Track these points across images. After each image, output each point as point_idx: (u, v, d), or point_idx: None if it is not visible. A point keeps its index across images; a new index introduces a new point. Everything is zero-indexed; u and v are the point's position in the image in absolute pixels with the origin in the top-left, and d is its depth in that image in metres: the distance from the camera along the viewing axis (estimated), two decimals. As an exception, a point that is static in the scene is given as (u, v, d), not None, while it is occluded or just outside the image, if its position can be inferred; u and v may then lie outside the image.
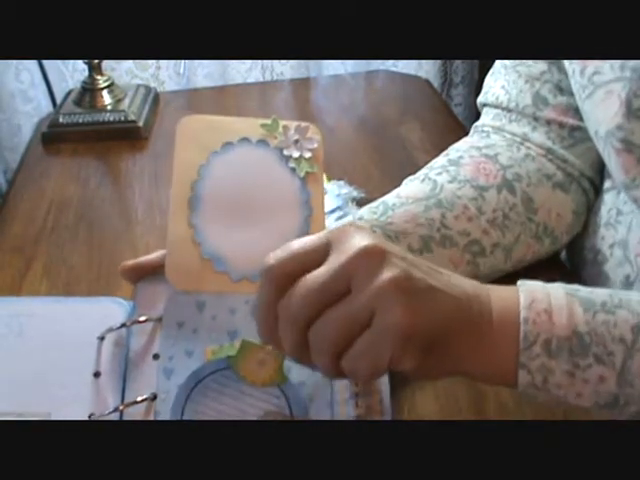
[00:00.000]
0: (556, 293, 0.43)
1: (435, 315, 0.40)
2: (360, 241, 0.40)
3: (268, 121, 0.50)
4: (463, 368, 0.43)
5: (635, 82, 0.51)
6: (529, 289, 0.44)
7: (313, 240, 0.41)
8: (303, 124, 0.50)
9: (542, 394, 0.43)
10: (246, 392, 0.46)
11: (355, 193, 0.79)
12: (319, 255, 0.41)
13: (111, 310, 0.49)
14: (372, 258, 0.40)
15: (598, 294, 0.44)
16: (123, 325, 0.47)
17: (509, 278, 0.64)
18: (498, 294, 0.44)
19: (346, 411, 0.44)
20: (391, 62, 1.33)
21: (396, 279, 0.39)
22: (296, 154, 0.49)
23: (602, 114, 0.54)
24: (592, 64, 0.54)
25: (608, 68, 0.53)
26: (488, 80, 0.69)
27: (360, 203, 0.75)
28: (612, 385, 0.42)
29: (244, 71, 1.28)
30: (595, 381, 0.42)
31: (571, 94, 0.61)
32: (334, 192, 0.79)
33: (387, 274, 0.39)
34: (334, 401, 0.45)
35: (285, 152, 0.50)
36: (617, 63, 0.52)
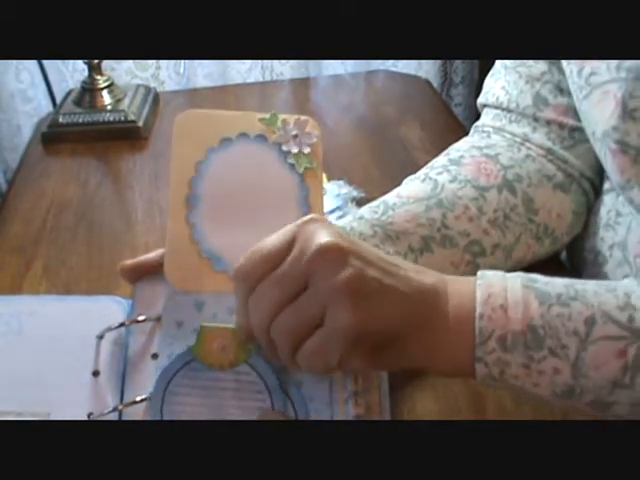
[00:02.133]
0: (513, 285, 0.44)
1: (386, 316, 0.41)
2: (320, 238, 0.41)
3: (267, 115, 0.50)
4: (418, 364, 0.44)
5: (631, 83, 0.51)
6: (487, 283, 0.44)
7: (279, 237, 0.42)
8: (302, 118, 0.50)
9: (500, 384, 0.43)
10: (218, 378, 0.45)
11: (355, 193, 0.79)
12: (285, 252, 0.42)
13: (110, 309, 0.49)
14: (328, 257, 0.40)
15: (555, 285, 0.45)
16: (122, 324, 0.47)
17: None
18: (456, 288, 0.44)
19: (345, 410, 0.44)
20: (391, 62, 1.33)
21: (348, 280, 0.40)
22: (295, 149, 0.49)
23: (598, 115, 0.54)
24: (589, 65, 0.55)
25: (604, 69, 0.53)
26: (488, 81, 0.69)
27: (360, 203, 0.75)
28: (567, 376, 0.43)
29: (244, 71, 1.28)
30: (550, 373, 0.43)
31: (571, 95, 0.61)
32: (334, 192, 0.79)
33: (341, 275, 0.40)
34: (333, 400, 0.45)
35: (284, 147, 0.49)
36: (613, 64, 0.52)
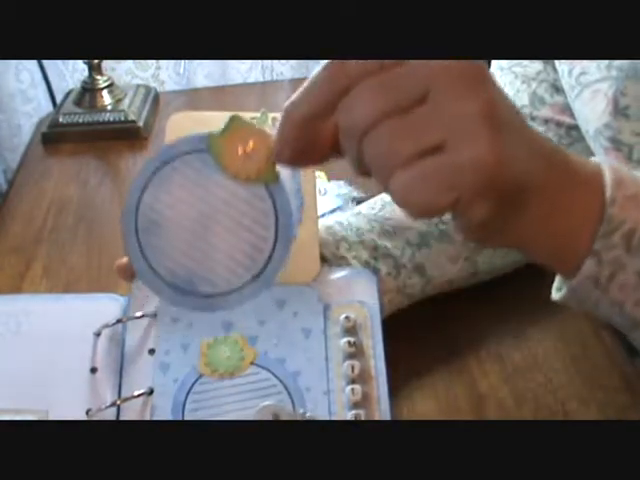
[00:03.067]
0: None
1: (524, 158, 0.34)
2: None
3: (258, 114, 0.50)
4: (530, 236, 0.36)
5: (621, 81, 0.51)
6: (614, 167, 0.37)
7: None
8: None
9: (596, 293, 0.37)
10: (224, 186, 0.39)
11: (355, 193, 0.79)
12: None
13: (107, 306, 0.49)
14: (466, 72, 0.32)
15: None
16: (119, 321, 0.47)
17: (509, 277, 0.64)
18: (580, 161, 0.37)
19: (342, 399, 0.44)
20: (391, 62, 1.32)
21: (489, 104, 0.32)
22: None
23: (590, 113, 0.54)
24: (579, 65, 0.55)
25: (595, 68, 0.53)
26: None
27: (360, 203, 0.75)
28: None
29: (244, 71, 1.28)
30: None
31: (567, 93, 0.61)
32: (334, 192, 0.79)
33: (480, 96, 0.32)
34: (330, 390, 0.45)
35: None
36: (603, 63, 0.53)
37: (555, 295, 0.41)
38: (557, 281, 0.41)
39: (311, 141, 0.35)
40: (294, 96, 0.35)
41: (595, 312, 0.39)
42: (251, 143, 0.37)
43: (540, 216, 0.36)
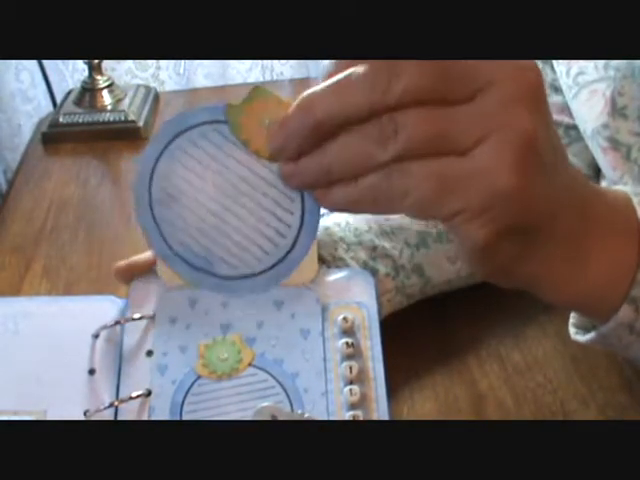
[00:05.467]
0: None
1: (548, 203, 0.32)
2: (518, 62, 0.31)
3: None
4: (551, 279, 0.34)
5: (619, 81, 0.51)
6: None
7: None
8: None
9: (630, 338, 0.36)
10: (246, 163, 0.36)
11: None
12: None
13: (105, 308, 0.49)
14: (526, 86, 0.31)
15: None
16: (117, 322, 0.47)
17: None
18: (615, 203, 0.35)
19: (341, 399, 0.44)
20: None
21: (534, 134, 0.30)
22: None
23: (587, 113, 0.54)
24: (576, 65, 0.55)
25: (592, 68, 0.53)
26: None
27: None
28: None
29: (244, 71, 1.28)
30: None
31: (566, 93, 0.61)
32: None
33: (531, 120, 0.30)
34: (328, 390, 0.45)
35: None
36: (601, 63, 0.53)
37: (576, 335, 0.40)
38: (577, 320, 0.40)
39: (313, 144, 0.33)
40: (318, 88, 0.32)
41: (623, 352, 0.38)
42: (274, 118, 0.33)
43: (564, 260, 0.34)
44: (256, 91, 0.35)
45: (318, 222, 0.39)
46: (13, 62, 1.16)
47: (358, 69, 0.31)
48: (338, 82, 0.31)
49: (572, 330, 0.40)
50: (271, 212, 0.38)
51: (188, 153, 0.37)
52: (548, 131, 0.32)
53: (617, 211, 0.36)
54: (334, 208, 0.34)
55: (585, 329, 0.40)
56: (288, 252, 0.40)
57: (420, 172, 0.30)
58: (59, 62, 1.19)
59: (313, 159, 0.33)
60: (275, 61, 1.28)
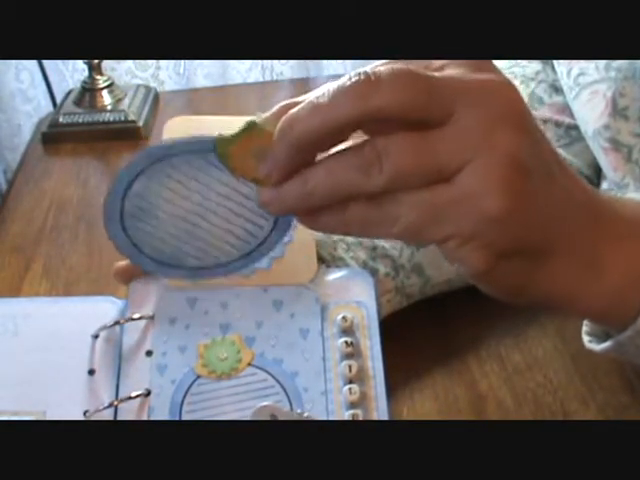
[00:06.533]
0: None
1: (547, 214, 0.31)
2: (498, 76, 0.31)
3: (254, 118, 0.51)
4: (566, 292, 0.33)
5: (620, 82, 0.51)
6: None
7: None
8: None
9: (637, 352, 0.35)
10: (226, 183, 0.37)
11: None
12: None
13: (104, 309, 0.49)
14: (501, 100, 0.30)
15: None
16: (117, 323, 0.47)
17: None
18: (625, 208, 0.35)
19: (340, 399, 0.44)
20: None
21: (520, 147, 0.29)
22: None
23: (588, 114, 0.54)
24: (577, 65, 0.55)
25: (593, 69, 0.53)
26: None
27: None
28: None
29: (244, 71, 1.28)
30: None
31: (567, 93, 0.61)
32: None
33: (514, 134, 0.29)
34: (328, 390, 0.45)
35: None
36: (602, 64, 0.53)
37: (590, 344, 0.39)
38: (590, 328, 0.39)
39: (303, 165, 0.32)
40: (295, 111, 0.32)
41: (637, 361, 0.37)
42: (263, 147, 0.34)
43: (578, 271, 0.33)
44: (249, 124, 0.35)
45: (292, 222, 0.39)
46: (13, 62, 1.16)
47: (335, 83, 0.31)
48: (316, 97, 0.31)
49: (586, 338, 0.40)
50: (246, 218, 0.39)
51: (169, 176, 0.38)
52: (536, 146, 0.31)
53: (628, 215, 0.36)
54: (321, 232, 0.34)
55: (599, 337, 0.39)
56: (258, 246, 0.40)
57: (408, 201, 0.30)
58: (59, 62, 1.19)
59: (295, 184, 0.32)
60: (275, 61, 1.28)
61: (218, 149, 0.36)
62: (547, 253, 0.32)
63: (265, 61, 1.28)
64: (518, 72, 0.64)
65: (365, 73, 0.30)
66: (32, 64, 1.15)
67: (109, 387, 0.46)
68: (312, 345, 0.46)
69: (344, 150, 0.31)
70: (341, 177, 0.31)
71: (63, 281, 0.70)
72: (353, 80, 0.30)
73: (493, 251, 0.31)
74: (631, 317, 0.35)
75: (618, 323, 0.36)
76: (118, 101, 0.99)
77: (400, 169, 0.30)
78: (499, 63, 0.66)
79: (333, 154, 0.32)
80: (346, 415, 0.44)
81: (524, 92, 0.64)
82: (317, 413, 0.44)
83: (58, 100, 1.06)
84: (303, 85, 1.14)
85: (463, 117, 0.29)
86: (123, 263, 0.50)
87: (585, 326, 0.40)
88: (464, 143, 0.29)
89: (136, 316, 0.47)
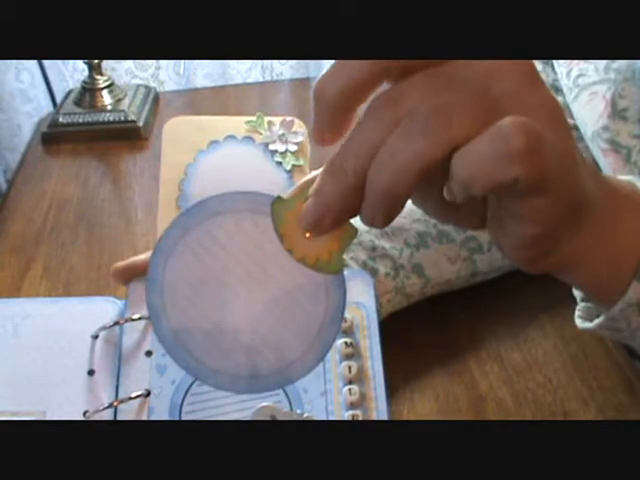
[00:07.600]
0: None
1: (582, 173, 0.32)
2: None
3: (253, 118, 0.51)
4: (580, 259, 0.34)
5: (619, 83, 0.51)
6: None
7: None
8: (288, 118, 0.50)
9: (638, 320, 0.36)
10: (271, 254, 0.33)
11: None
12: None
13: (104, 309, 0.49)
14: (525, 69, 0.32)
15: None
16: (116, 323, 0.47)
17: (509, 277, 0.64)
18: (624, 183, 0.36)
19: (340, 399, 0.44)
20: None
21: (554, 101, 0.31)
22: (282, 148, 0.50)
23: (587, 116, 0.54)
24: (576, 66, 0.55)
25: (593, 70, 0.53)
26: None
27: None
28: None
29: (244, 71, 1.28)
30: None
31: (567, 94, 0.61)
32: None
33: (546, 93, 0.31)
34: (327, 390, 0.45)
35: (271, 147, 0.50)
36: (601, 65, 0.53)
37: (583, 324, 0.39)
38: (583, 310, 0.40)
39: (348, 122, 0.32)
40: (323, 75, 0.33)
41: (630, 340, 0.38)
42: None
43: (592, 238, 0.34)
44: (281, 203, 0.33)
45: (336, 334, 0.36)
46: (13, 62, 1.16)
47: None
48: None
49: (578, 321, 0.40)
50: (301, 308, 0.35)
51: (211, 237, 0.35)
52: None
53: (627, 186, 0.36)
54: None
55: (591, 320, 0.40)
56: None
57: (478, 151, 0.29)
58: (59, 62, 1.19)
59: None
60: (275, 61, 1.28)
61: (274, 209, 0.33)
62: (579, 214, 0.33)
63: (265, 61, 1.28)
64: None
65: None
66: (32, 64, 1.15)
67: (109, 387, 0.46)
68: None
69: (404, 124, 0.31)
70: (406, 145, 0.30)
71: (63, 281, 0.70)
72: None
73: (558, 201, 0.31)
74: (622, 291, 0.35)
75: (609, 299, 0.36)
76: (118, 101, 0.99)
77: (465, 120, 0.29)
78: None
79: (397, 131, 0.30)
80: (346, 416, 0.44)
81: None
82: (317, 413, 0.44)
83: (58, 100, 1.06)
84: (303, 85, 1.14)
85: (500, 85, 0.31)
86: (122, 263, 0.50)
87: (577, 310, 0.41)
88: (517, 102, 0.30)
89: (136, 316, 0.47)
